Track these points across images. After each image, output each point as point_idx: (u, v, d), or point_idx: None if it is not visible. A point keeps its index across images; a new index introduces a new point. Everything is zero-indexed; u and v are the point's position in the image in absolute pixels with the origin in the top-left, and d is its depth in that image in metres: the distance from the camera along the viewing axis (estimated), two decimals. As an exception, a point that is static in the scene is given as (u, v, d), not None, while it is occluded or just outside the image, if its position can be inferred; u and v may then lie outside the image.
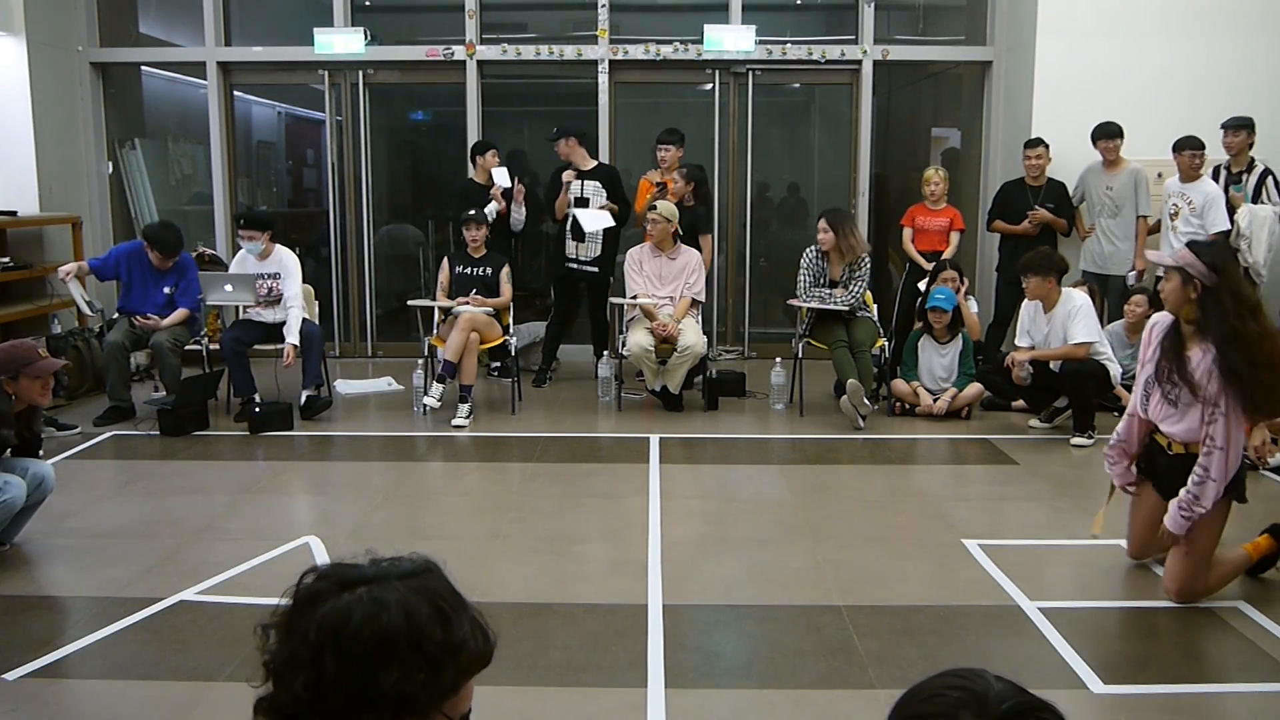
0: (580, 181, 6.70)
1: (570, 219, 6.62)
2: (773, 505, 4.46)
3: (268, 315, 5.94)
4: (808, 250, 6.10)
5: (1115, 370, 5.48)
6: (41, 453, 4.11)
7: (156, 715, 2.71)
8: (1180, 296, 3.20)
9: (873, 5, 7.53)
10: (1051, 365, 5.47)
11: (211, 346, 6.16)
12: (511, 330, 6.24)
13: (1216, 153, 6.24)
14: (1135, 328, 5.90)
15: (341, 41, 7.52)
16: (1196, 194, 6.06)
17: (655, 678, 2.87)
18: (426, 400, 5.80)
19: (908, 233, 6.80)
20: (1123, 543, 3.87)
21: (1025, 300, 5.58)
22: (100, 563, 3.72)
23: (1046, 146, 6.53)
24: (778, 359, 6.27)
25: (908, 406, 6.01)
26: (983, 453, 5.35)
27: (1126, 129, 6.36)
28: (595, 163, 6.81)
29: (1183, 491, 3.27)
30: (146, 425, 5.68)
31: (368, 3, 7.91)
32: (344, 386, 6.65)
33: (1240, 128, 6.08)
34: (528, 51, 7.58)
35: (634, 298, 6.17)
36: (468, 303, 5.97)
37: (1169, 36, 6.77)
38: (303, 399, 5.84)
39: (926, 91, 8.78)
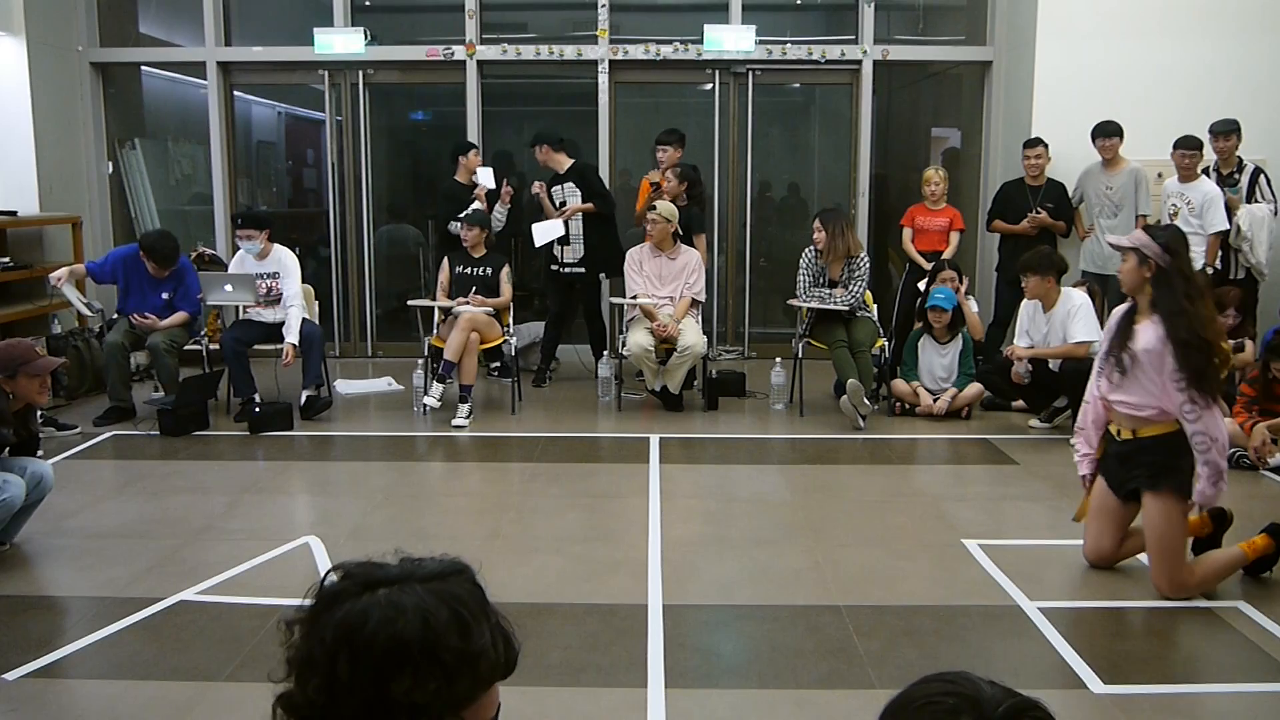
0: (561, 186, 6.70)
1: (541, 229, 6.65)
2: (773, 505, 4.46)
3: (267, 315, 5.94)
4: (807, 250, 6.11)
5: None
6: (41, 452, 4.11)
7: (156, 715, 2.70)
8: (1136, 276, 3.39)
9: (873, 5, 7.53)
10: (1051, 364, 5.48)
11: (211, 346, 6.16)
12: (511, 330, 6.24)
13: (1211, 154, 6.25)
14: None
15: (341, 41, 7.52)
16: (1196, 194, 6.06)
17: (655, 678, 2.87)
18: (426, 400, 5.80)
19: (908, 233, 6.80)
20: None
21: (1025, 300, 5.58)
22: (100, 563, 3.72)
23: (1046, 146, 6.54)
24: (778, 359, 6.27)
25: (908, 406, 6.01)
26: (983, 453, 5.35)
27: (1126, 129, 6.35)
28: (570, 162, 6.75)
29: (1198, 467, 3.29)
30: (146, 425, 5.68)
31: (368, 3, 7.91)
32: (344, 386, 6.65)
33: (1231, 132, 6.09)
34: (528, 51, 7.58)
35: (634, 298, 6.17)
36: (468, 303, 5.97)
37: (1169, 36, 6.77)
38: (303, 399, 5.84)
39: (926, 91, 8.78)
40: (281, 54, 7.80)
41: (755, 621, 3.29)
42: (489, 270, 6.18)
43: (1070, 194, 6.62)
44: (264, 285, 5.91)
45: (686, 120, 7.61)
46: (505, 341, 6.15)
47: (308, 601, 1.14)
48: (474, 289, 6.07)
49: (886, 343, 6.35)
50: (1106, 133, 6.34)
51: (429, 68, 7.73)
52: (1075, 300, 5.41)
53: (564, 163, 6.71)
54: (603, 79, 7.60)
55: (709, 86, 7.84)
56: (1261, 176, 6.11)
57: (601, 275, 6.81)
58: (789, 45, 7.61)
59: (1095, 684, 2.84)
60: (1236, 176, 6.16)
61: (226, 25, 7.76)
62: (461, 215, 6.38)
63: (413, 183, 8.69)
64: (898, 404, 6.05)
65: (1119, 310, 3.59)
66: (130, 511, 4.36)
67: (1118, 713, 2.72)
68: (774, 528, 4.15)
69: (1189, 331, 3.20)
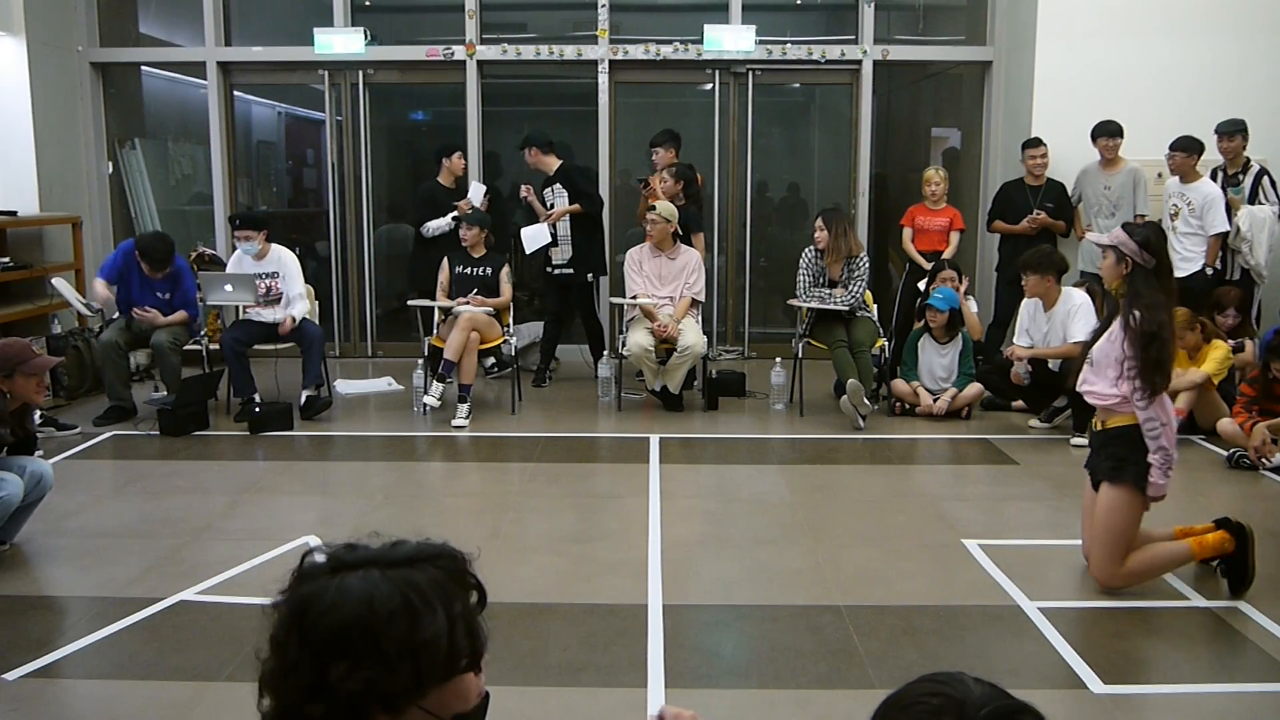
0: (551, 188, 6.69)
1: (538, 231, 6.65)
2: (773, 505, 4.46)
3: (267, 315, 5.94)
4: (807, 250, 6.11)
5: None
6: (40, 452, 4.11)
7: (156, 715, 2.71)
8: (1115, 272, 3.46)
9: (873, 5, 7.53)
10: (1050, 364, 5.48)
11: (211, 346, 6.16)
12: (511, 330, 6.24)
13: (1216, 154, 6.24)
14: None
15: (341, 41, 7.52)
16: (1196, 195, 6.06)
17: (655, 678, 2.87)
18: (426, 400, 5.80)
19: (908, 233, 6.80)
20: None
21: (1025, 299, 5.58)
22: (100, 563, 3.72)
23: (1046, 146, 6.54)
24: (778, 359, 6.27)
25: (908, 406, 6.01)
26: (983, 453, 5.35)
27: (1126, 129, 6.35)
28: (558, 163, 6.73)
29: (1151, 455, 3.33)
30: (146, 425, 5.68)
31: (368, 3, 7.91)
32: (344, 386, 6.65)
33: (1235, 133, 6.07)
34: (528, 51, 7.58)
35: (634, 298, 6.17)
36: (468, 303, 5.97)
37: (1169, 36, 6.77)
38: (303, 399, 5.84)
39: (926, 91, 8.78)
40: (281, 54, 7.80)
41: (755, 621, 3.29)
42: (489, 270, 6.18)
43: (1070, 193, 6.62)
44: (263, 285, 5.91)
45: (686, 120, 7.61)
46: (505, 341, 6.15)
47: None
48: (474, 289, 6.06)
49: (886, 343, 6.35)
50: (1108, 132, 6.34)
51: (429, 68, 7.73)
52: (1076, 300, 5.41)
53: (553, 165, 6.70)
54: (603, 79, 7.60)
55: (709, 86, 7.84)
56: (1265, 178, 6.09)
57: (590, 275, 6.80)
58: (789, 45, 7.61)
59: (1095, 684, 2.84)
60: (1241, 177, 6.15)
61: (226, 25, 7.76)
62: (456, 216, 6.39)
63: (413, 183, 8.65)
64: (898, 404, 6.04)
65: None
66: (130, 511, 4.36)
67: (1118, 713, 2.72)
68: (774, 528, 4.15)
69: (1155, 325, 3.27)
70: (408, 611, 1.08)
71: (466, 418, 5.71)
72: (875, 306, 6.28)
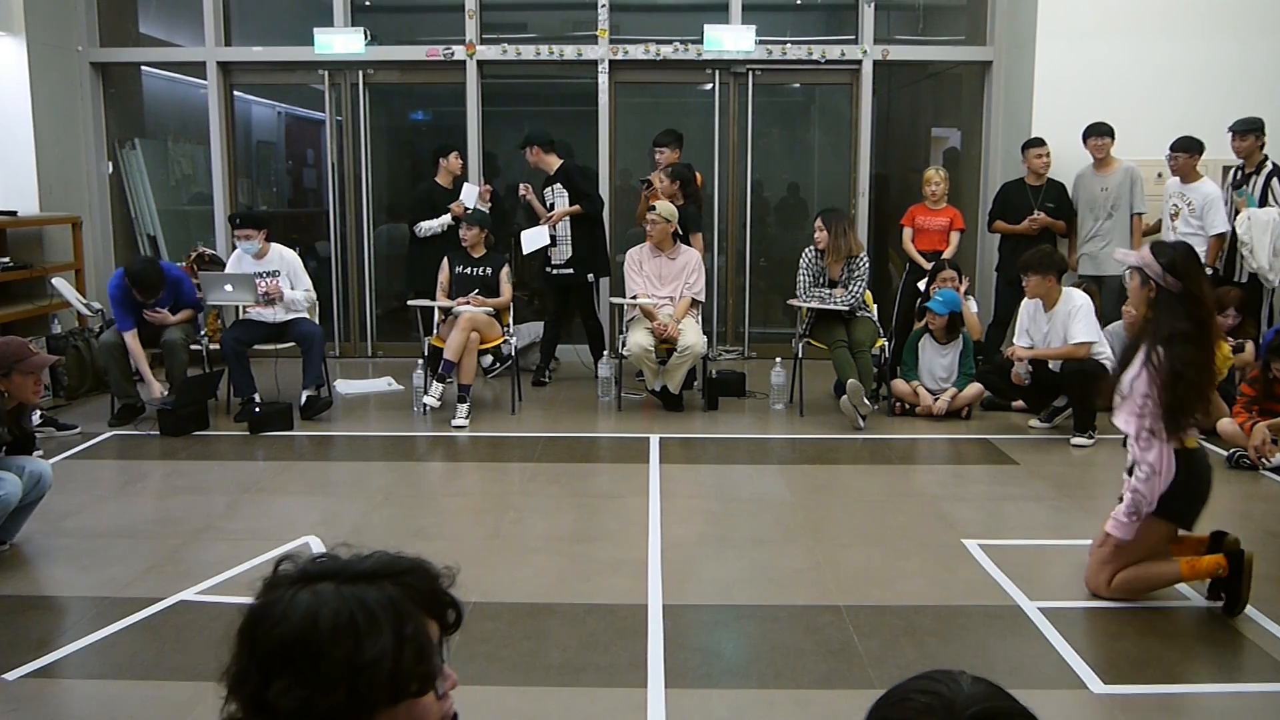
0: (550, 187, 6.69)
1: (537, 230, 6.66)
2: (773, 505, 4.46)
3: (267, 315, 5.94)
4: (807, 250, 6.11)
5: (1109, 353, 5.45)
6: (40, 451, 4.10)
7: (156, 715, 2.71)
8: (1140, 296, 3.29)
9: (873, 5, 7.53)
10: (1051, 365, 5.47)
11: (212, 346, 6.16)
12: (511, 330, 6.24)
13: (1224, 150, 6.22)
14: (1135, 328, 5.89)
15: (341, 41, 7.52)
16: (1196, 195, 6.06)
17: (655, 678, 2.87)
18: (426, 400, 5.80)
19: (908, 232, 6.80)
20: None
21: (1025, 299, 5.58)
22: (100, 563, 3.72)
23: (1048, 146, 6.54)
24: (778, 359, 6.27)
25: (908, 406, 6.01)
26: (983, 453, 5.35)
27: (1127, 129, 6.36)
28: (558, 163, 6.73)
29: (1126, 492, 3.24)
30: (146, 425, 5.68)
31: (368, 3, 7.91)
32: (344, 386, 6.65)
33: (1248, 132, 5.99)
34: (528, 51, 7.58)
35: (634, 298, 6.17)
36: (468, 302, 5.97)
37: (1169, 36, 6.77)
38: (303, 399, 5.84)
39: (926, 91, 8.78)
40: (281, 54, 7.80)
41: (755, 621, 3.29)
42: (489, 270, 6.17)
43: (1071, 196, 6.62)
44: (263, 284, 5.91)
45: (686, 120, 7.61)
46: (505, 341, 6.15)
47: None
48: (474, 289, 6.06)
49: (886, 343, 6.35)
50: (1098, 132, 6.35)
51: (429, 68, 7.73)
52: (1076, 300, 5.41)
53: (554, 164, 6.71)
54: (603, 79, 7.60)
55: (709, 86, 7.83)
56: (1276, 179, 6.01)
57: (590, 276, 6.81)
58: (789, 45, 7.61)
59: (1095, 684, 2.84)
60: (1255, 177, 6.10)
61: (226, 25, 7.76)
62: (455, 217, 6.40)
63: (412, 183, 8.66)
64: (898, 404, 6.04)
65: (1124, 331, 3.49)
66: (130, 511, 4.36)
67: (1118, 713, 2.72)
68: (774, 528, 4.15)
69: (1179, 363, 3.05)
70: (351, 631, 1.05)
71: (466, 418, 5.71)
72: (875, 306, 6.29)
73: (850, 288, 5.99)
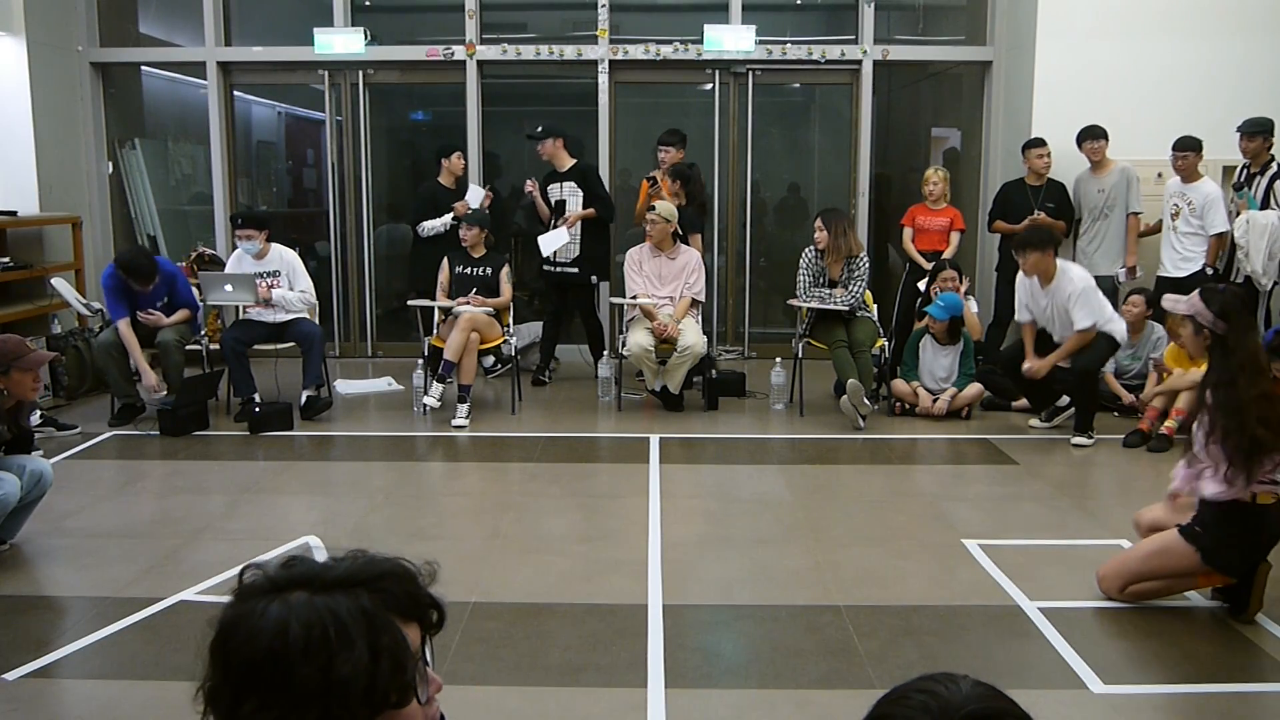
0: (560, 184, 6.69)
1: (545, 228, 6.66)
2: (773, 505, 4.45)
3: (267, 315, 5.94)
4: (807, 250, 6.11)
5: (1120, 329, 5.42)
6: (40, 451, 4.10)
7: (156, 715, 2.70)
8: (1196, 345, 3.28)
9: (873, 5, 7.53)
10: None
11: (212, 346, 6.16)
12: (511, 330, 6.24)
13: (1223, 150, 6.22)
14: (1134, 327, 5.90)
15: (341, 41, 7.52)
16: (1197, 195, 6.05)
17: (655, 678, 2.87)
18: (426, 400, 5.80)
19: (908, 232, 6.80)
20: (1124, 542, 3.88)
21: (1020, 275, 5.51)
22: (100, 563, 3.72)
23: (1049, 146, 6.53)
24: (778, 359, 6.27)
25: (908, 406, 6.01)
26: (983, 453, 5.35)
27: (1127, 129, 6.36)
28: (572, 162, 6.75)
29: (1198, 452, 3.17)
30: (146, 425, 5.67)
31: (368, 3, 7.91)
32: (344, 386, 6.65)
33: (1256, 133, 5.95)
34: (528, 51, 7.58)
35: (634, 298, 6.17)
36: (468, 303, 5.97)
37: (1169, 36, 6.77)
38: (303, 399, 5.84)
39: (926, 91, 8.78)
40: (281, 54, 7.80)
41: (755, 621, 3.29)
42: (489, 270, 6.17)
43: (1072, 200, 6.62)
44: (263, 284, 5.91)
45: (686, 120, 7.61)
46: (505, 341, 6.15)
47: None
48: (474, 289, 6.06)
49: (886, 343, 6.35)
50: (1093, 135, 6.34)
51: (429, 68, 7.73)
52: (1075, 281, 5.30)
53: (567, 161, 6.71)
54: (603, 79, 7.60)
55: (709, 86, 7.83)
56: (1279, 181, 5.98)
57: (593, 278, 6.81)
58: (789, 45, 7.61)
59: (1095, 684, 2.84)
60: (1259, 179, 6.08)
61: (226, 25, 7.76)
62: (455, 217, 6.40)
63: (412, 183, 8.67)
64: (898, 404, 6.04)
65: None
66: (130, 511, 4.36)
67: (1118, 713, 2.72)
68: (774, 528, 4.15)
69: (1231, 410, 3.04)
70: (323, 647, 1.00)
71: (466, 418, 5.71)
72: (875, 306, 6.29)
73: (850, 288, 5.99)
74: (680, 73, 7.83)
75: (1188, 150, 6.02)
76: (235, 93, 7.96)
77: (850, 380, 5.61)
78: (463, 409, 5.73)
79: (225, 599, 1.08)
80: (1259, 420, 3.03)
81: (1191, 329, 3.26)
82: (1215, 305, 3.18)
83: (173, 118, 8.51)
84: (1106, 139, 6.34)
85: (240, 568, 1.09)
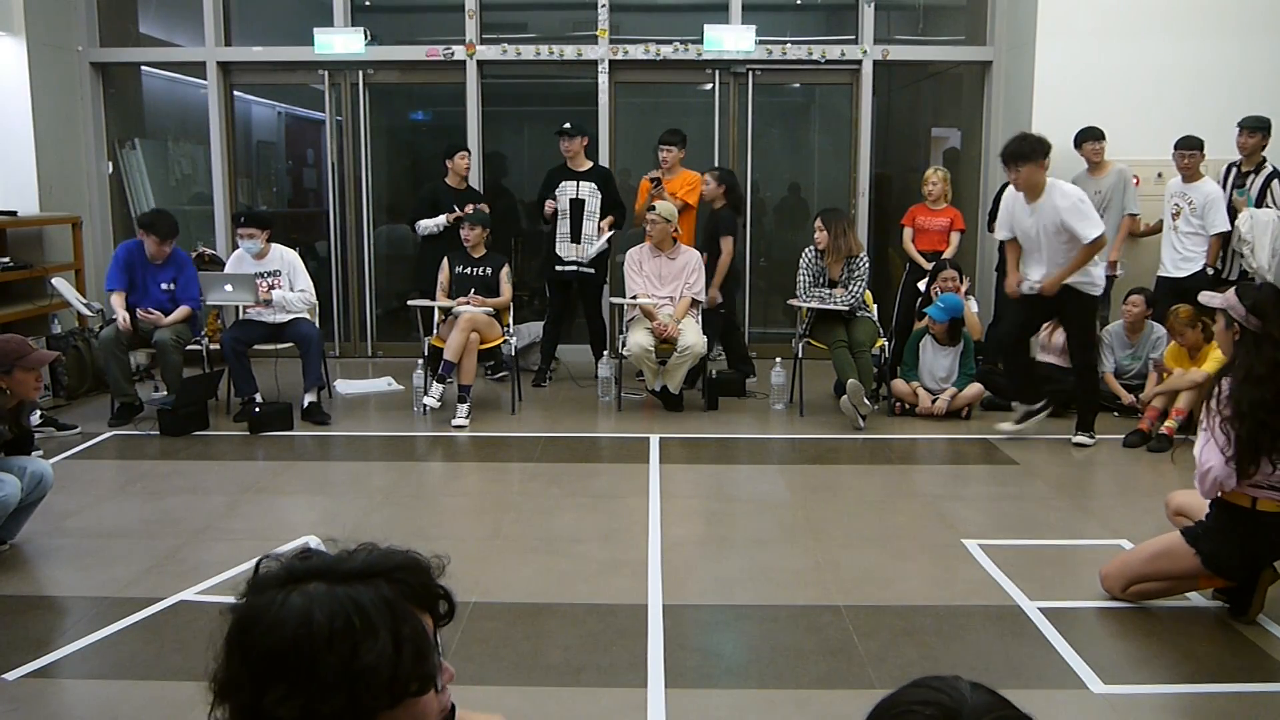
0: (576, 182, 6.69)
1: (556, 222, 6.68)
2: (773, 505, 4.45)
3: (267, 315, 5.94)
4: (807, 250, 6.11)
5: (1099, 273, 5.26)
6: (40, 451, 4.10)
7: (156, 715, 2.70)
8: (1226, 339, 3.26)
9: (873, 5, 7.53)
10: (1047, 357, 5.40)
11: (212, 346, 6.16)
12: (511, 330, 6.24)
13: (1223, 150, 6.22)
14: (1134, 327, 5.90)
15: (341, 41, 7.52)
16: (1197, 194, 6.06)
17: (655, 678, 2.87)
18: (426, 400, 5.80)
19: (908, 232, 6.80)
20: (1124, 542, 3.88)
21: (1007, 192, 5.34)
22: (100, 563, 3.72)
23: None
24: (778, 359, 6.27)
25: (908, 406, 6.01)
26: (983, 453, 5.35)
27: (1127, 129, 6.36)
28: (590, 164, 6.80)
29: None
30: (146, 425, 5.68)
31: (368, 3, 7.91)
32: (344, 386, 6.65)
33: (1258, 129, 6.01)
34: (528, 51, 7.58)
35: (634, 298, 6.17)
36: (468, 303, 5.97)
37: (1169, 36, 6.77)
38: (305, 403, 5.84)
39: (926, 91, 8.78)
40: (281, 54, 7.80)
41: (755, 621, 3.29)
42: (489, 270, 6.17)
43: None
44: (264, 284, 5.91)
45: (686, 120, 7.60)
46: (505, 342, 6.15)
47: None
48: (474, 289, 6.06)
49: (886, 343, 6.35)
50: (1091, 137, 6.34)
51: (429, 68, 7.73)
52: (1070, 194, 5.07)
53: (585, 162, 6.76)
54: (603, 79, 7.60)
55: (709, 86, 7.83)
56: (1275, 181, 6.03)
57: (605, 279, 6.85)
58: (789, 45, 7.61)
59: (1095, 684, 2.84)
60: (1253, 177, 6.10)
61: (226, 25, 7.76)
62: (457, 217, 6.42)
63: (413, 183, 8.68)
64: (898, 404, 6.04)
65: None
66: (130, 511, 4.36)
67: (1118, 713, 2.72)
68: (774, 528, 4.15)
69: (1251, 405, 3.01)
70: (348, 635, 1.01)
71: (466, 418, 5.71)
72: (875, 306, 6.29)
73: (850, 288, 5.99)
74: (680, 73, 7.83)
75: (1193, 149, 6.03)
76: (235, 93, 7.96)
77: (850, 380, 5.61)
78: (463, 409, 5.73)
79: (228, 598, 1.08)
80: (1271, 416, 3.00)
81: (1223, 323, 3.24)
82: (1249, 301, 3.17)
83: (173, 118, 8.51)
84: (1104, 139, 6.34)
85: (255, 560, 1.10)
